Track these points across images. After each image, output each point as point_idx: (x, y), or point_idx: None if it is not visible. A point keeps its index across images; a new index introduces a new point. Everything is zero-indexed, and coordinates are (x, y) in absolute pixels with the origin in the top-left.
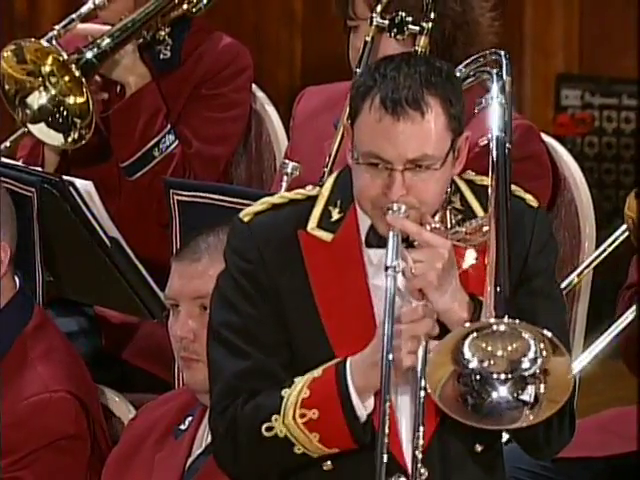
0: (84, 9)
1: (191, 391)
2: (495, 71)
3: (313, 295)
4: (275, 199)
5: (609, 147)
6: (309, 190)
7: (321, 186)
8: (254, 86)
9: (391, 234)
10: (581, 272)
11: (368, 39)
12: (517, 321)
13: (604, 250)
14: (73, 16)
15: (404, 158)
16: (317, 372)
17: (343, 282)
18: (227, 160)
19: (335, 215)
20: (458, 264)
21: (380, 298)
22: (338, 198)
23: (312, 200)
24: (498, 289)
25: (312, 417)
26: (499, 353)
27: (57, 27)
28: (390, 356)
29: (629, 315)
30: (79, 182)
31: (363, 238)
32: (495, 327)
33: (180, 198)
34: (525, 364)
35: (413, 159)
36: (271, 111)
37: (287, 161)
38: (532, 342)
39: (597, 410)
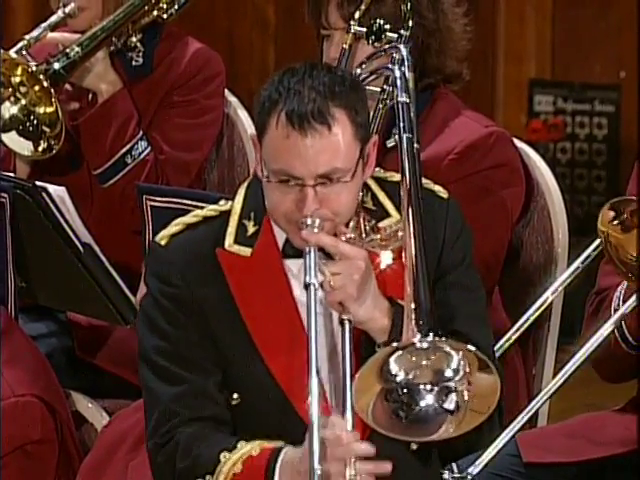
0: (54, 18)
1: None
2: (397, 67)
3: (239, 311)
4: (189, 219)
5: (581, 153)
6: (221, 205)
7: (232, 199)
8: (227, 91)
9: (307, 250)
10: (556, 289)
11: (346, 47)
12: (440, 338)
13: (577, 268)
14: (43, 25)
15: (314, 173)
16: (255, 450)
17: (267, 295)
18: (199, 166)
19: (251, 229)
20: (375, 266)
21: (304, 305)
22: (251, 210)
23: (225, 215)
24: (419, 304)
25: None
26: (423, 363)
27: (27, 37)
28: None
29: (608, 327)
30: (52, 188)
31: (281, 249)
32: (419, 345)
33: (153, 204)
34: (448, 373)
35: (323, 174)
36: (244, 116)
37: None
38: (453, 353)
39: (567, 416)
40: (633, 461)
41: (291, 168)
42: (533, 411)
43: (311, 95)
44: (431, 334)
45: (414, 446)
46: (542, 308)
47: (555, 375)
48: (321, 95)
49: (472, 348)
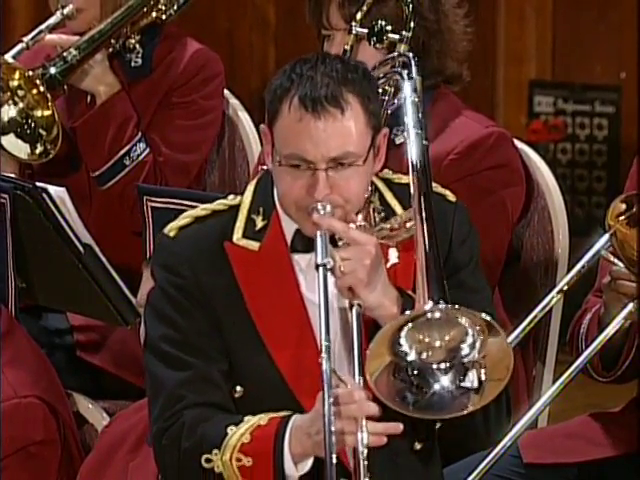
0: (52, 20)
1: None
2: (405, 72)
3: (246, 304)
4: (198, 212)
5: (582, 153)
6: (231, 200)
7: (242, 194)
8: (227, 92)
9: (319, 234)
10: (560, 289)
11: (347, 47)
12: (453, 306)
13: (578, 272)
14: (42, 27)
15: (327, 157)
16: (263, 420)
17: (274, 289)
18: (198, 167)
19: (259, 223)
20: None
21: (312, 303)
22: (260, 205)
23: (234, 209)
24: (430, 274)
25: (246, 464)
26: (437, 344)
27: (25, 39)
28: (331, 427)
29: (611, 330)
30: (52, 188)
31: (289, 243)
32: (431, 314)
33: (153, 204)
34: (464, 350)
35: (335, 157)
36: (244, 117)
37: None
38: (468, 327)
39: (568, 416)
40: (633, 462)
41: (303, 151)
42: (532, 420)
43: (324, 80)
44: (442, 302)
45: (417, 446)
46: (550, 305)
47: (555, 375)
48: (334, 80)
49: (486, 317)
